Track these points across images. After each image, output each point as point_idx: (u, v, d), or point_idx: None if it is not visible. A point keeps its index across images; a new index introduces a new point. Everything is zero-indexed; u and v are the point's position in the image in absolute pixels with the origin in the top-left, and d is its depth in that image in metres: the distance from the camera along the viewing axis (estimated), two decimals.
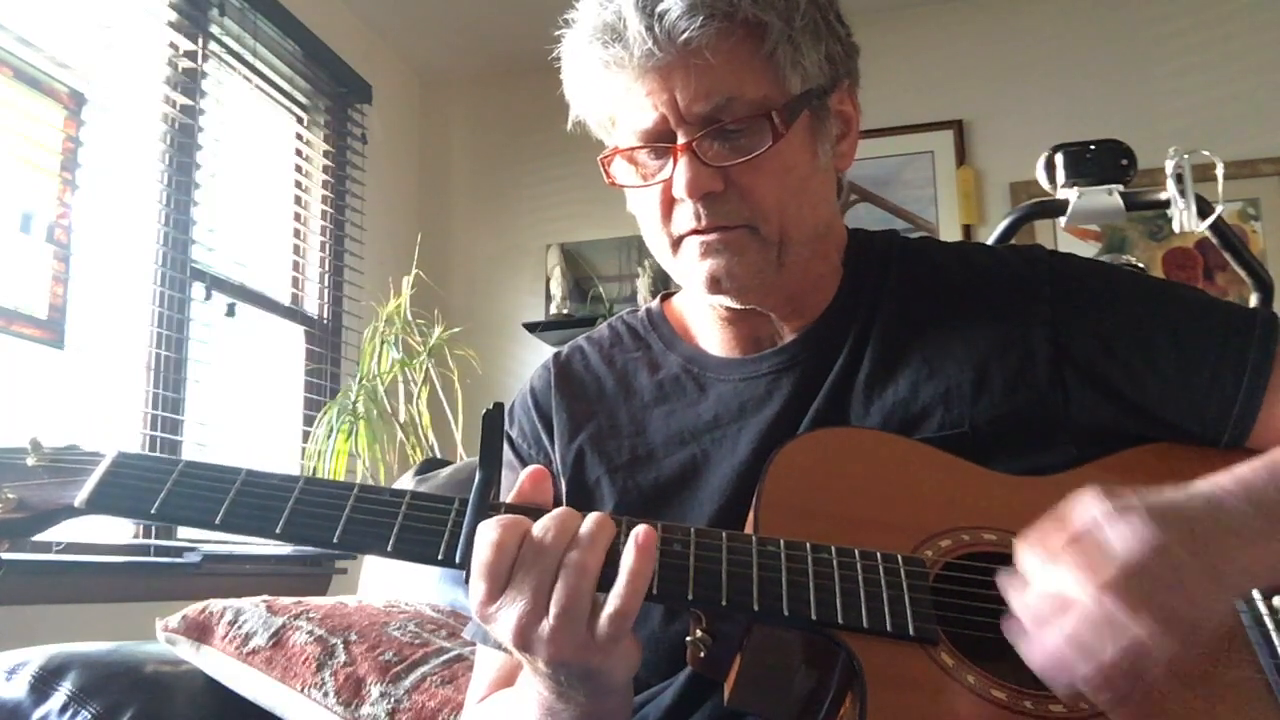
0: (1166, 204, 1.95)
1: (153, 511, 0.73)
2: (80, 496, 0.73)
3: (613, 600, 0.67)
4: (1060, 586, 0.62)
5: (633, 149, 0.86)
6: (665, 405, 0.94)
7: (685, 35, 0.79)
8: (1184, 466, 0.83)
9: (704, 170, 0.82)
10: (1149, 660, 0.60)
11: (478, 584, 0.67)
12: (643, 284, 3.76)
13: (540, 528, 0.68)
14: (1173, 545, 0.62)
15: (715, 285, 0.86)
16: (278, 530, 0.71)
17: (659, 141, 0.84)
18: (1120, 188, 1.97)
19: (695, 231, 0.85)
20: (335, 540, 0.71)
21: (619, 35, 0.81)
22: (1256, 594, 0.73)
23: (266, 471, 0.74)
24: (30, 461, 0.76)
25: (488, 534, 0.68)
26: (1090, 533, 0.63)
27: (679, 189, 0.82)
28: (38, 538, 2.35)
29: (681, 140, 0.82)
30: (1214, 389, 0.84)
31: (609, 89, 0.85)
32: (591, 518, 0.69)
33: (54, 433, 0.79)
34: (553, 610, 0.66)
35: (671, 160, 0.83)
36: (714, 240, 0.84)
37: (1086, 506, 0.64)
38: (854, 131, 0.92)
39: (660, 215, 0.86)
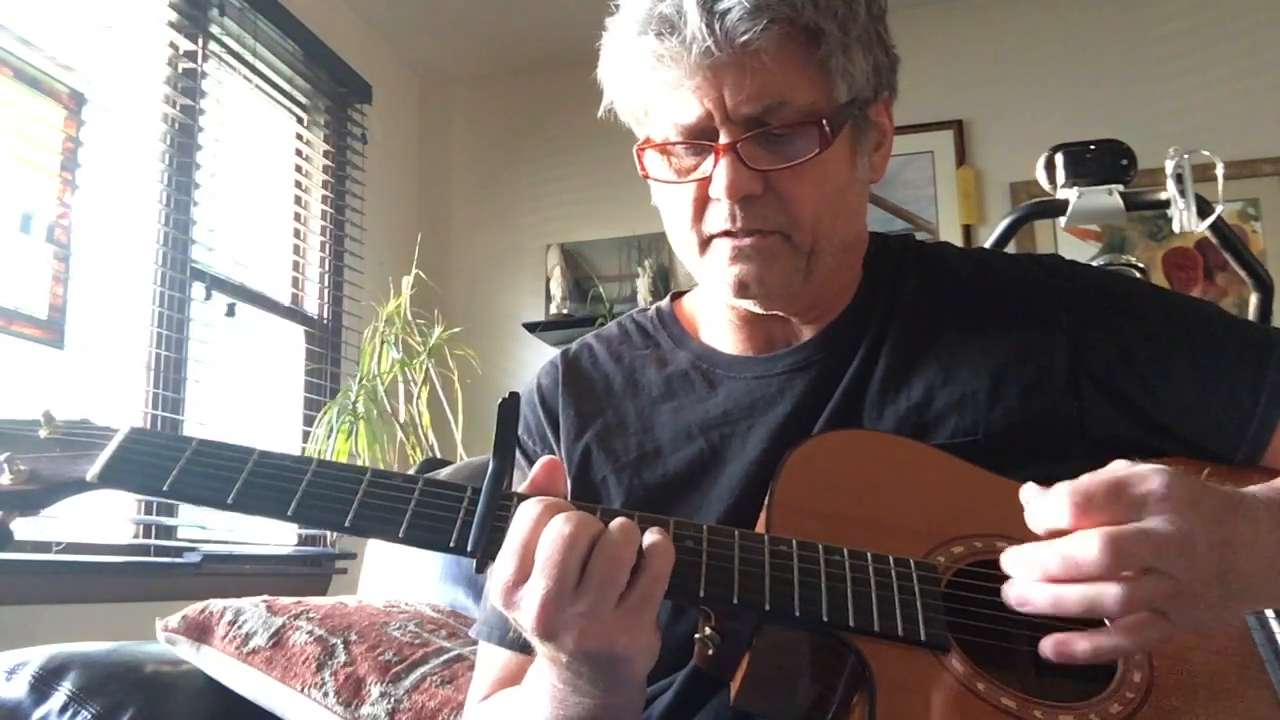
0: (1166, 204, 1.95)
1: (165, 489, 0.71)
2: (92, 471, 0.72)
3: (646, 567, 0.65)
4: (1079, 532, 0.62)
5: (671, 143, 0.84)
6: (673, 401, 0.93)
7: (746, 36, 0.77)
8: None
9: (745, 172, 0.81)
10: (1153, 598, 0.61)
11: (506, 565, 0.65)
12: (643, 284, 3.76)
13: (568, 518, 0.66)
14: (1209, 542, 0.61)
15: (743, 290, 0.85)
16: (289, 512, 0.70)
17: (699, 139, 0.82)
18: (1120, 188, 1.97)
19: (727, 233, 0.84)
20: (347, 524, 0.69)
21: (675, 29, 0.79)
22: (1270, 614, 0.72)
23: (279, 453, 0.73)
24: (43, 434, 0.75)
25: (529, 511, 0.66)
26: (1135, 495, 0.62)
27: (718, 189, 0.81)
28: (38, 537, 2.33)
29: (725, 140, 0.81)
30: (1231, 406, 0.83)
31: (653, 80, 0.83)
32: (618, 519, 0.67)
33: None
34: (583, 597, 0.64)
35: (710, 158, 0.82)
36: (746, 245, 0.83)
37: (1150, 476, 0.63)
38: (888, 144, 0.91)
39: (691, 213, 0.85)
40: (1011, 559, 0.65)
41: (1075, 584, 0.61)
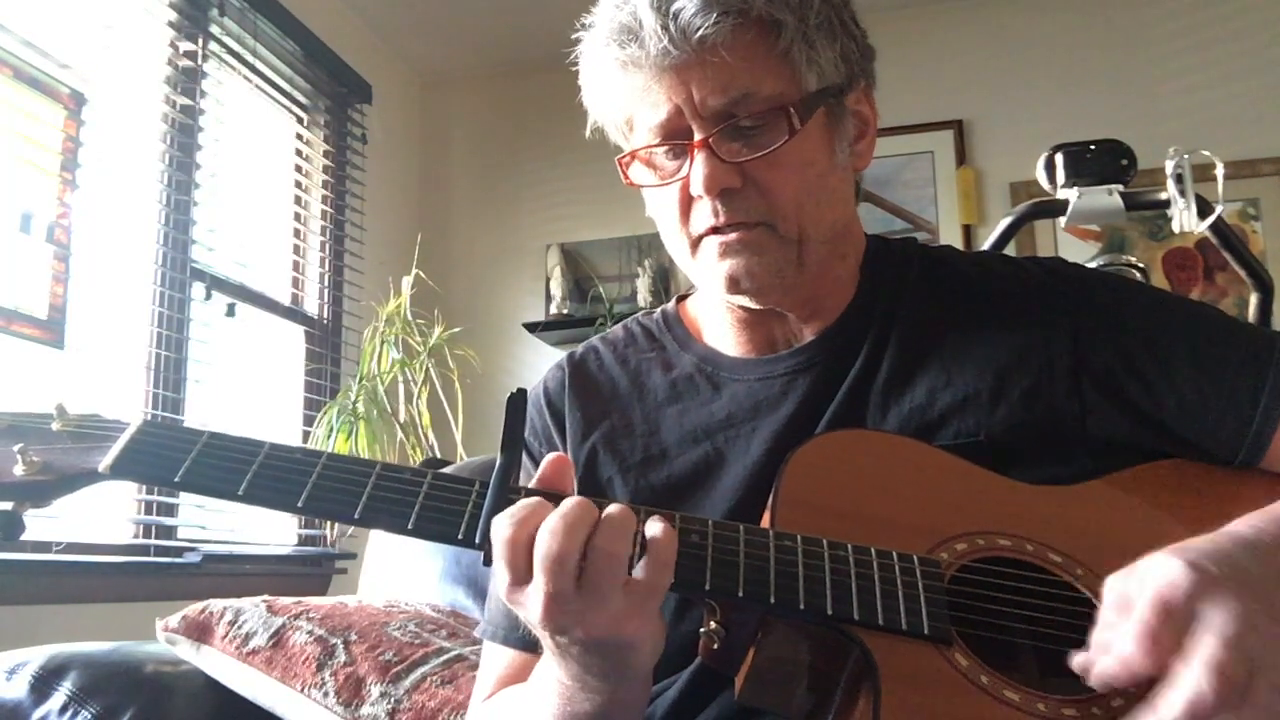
0: (1166, 204, 1.95)
1: (176, 479, 0.72)
2: (105, 462, 0.73)
3: (650, 554, 0.66)
4: (1159, 658, 0.60)
5: (650, 149, 0.86)
6: (678, 404, 0.94)
7: (700, 33, 0.79)
8: (1197, 483, 0.83)
9: (721, 166, 0.82)
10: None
11: (505, 566, 0.66)
12: (643, 284, 3.76)
13: (561, 514, 0.66)
14: (1257, 614, 0.60)
15: (734, 285, 0.86)
16: (300, 504, 0.71)
17: (676, 139, 0.84)
18: (1120, 188, 1.97)
19: (714, 230, 0.85)
20: (357, 515, 0.70)
21: (635, 35, 0.81)
22: None
23: (290, 445, 0.74)
24: (55, 427, 0.77)
25: (519, 512, 0.67)
26: (1182, 605, 0.60)
27: (696, 186, 0.83)
28: (38, 536, 2.33)
29: (698, 137, 0.83)
30: (1230, 408, 0.84)
31: (626, 89, 0.85)
32: (613, 507, 0.68)
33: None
34: (584, 589, 0.65)
35: (689, 159, 0.84)
36: (733, 240, 0.85)
37: (1170, 575, 0.61)
38: (872, 132, 0.93)
39: (679, 215, 0.87)
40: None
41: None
